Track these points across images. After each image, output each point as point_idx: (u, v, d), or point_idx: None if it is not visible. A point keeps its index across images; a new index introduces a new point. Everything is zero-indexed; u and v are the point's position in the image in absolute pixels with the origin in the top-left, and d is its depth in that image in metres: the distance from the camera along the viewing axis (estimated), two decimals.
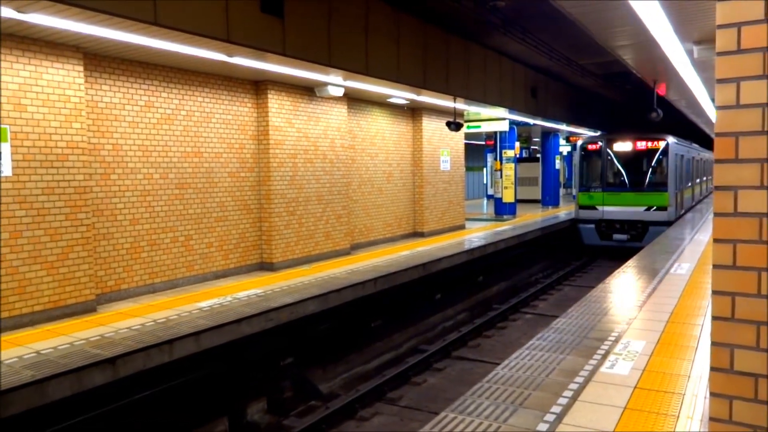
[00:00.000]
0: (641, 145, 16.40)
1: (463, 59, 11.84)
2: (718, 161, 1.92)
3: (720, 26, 1.93)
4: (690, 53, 8.71)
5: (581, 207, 17.18)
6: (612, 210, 16.58)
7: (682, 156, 17.84)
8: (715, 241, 1.93)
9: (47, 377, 4.91)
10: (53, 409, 5.00)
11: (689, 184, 20.25)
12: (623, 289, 7.71)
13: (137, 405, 5.77)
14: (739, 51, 1.89)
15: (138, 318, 6.76)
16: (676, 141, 16.77)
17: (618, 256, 15.10)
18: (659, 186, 16.13)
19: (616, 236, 16.59)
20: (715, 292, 1.94)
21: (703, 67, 9.98)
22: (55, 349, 5.61)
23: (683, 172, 18.09)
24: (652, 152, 16.33)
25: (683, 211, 18.52)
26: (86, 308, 7.01)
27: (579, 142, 17.80)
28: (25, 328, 6.35)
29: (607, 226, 16.75)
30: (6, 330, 6.23)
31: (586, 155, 17.38)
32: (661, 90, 13.23)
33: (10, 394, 4.65)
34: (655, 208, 16.02)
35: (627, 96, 19.31)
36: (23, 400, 4.74)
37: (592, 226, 16.92)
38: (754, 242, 1.85)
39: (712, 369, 1.95)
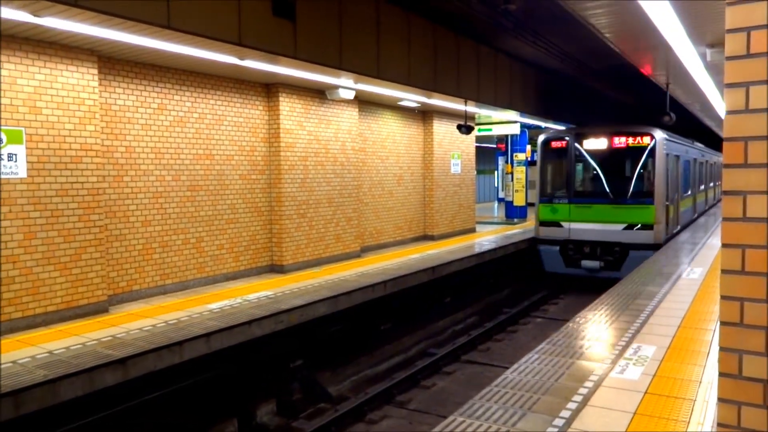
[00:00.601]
0: (620, 141, 12.89)
1: (474, 62, 11.84)
2: (726, 166, 1.92)
3: (729, 30, 1.93)
4: (703, 56, 8.66)
5: (542, 223, 13.73)
6: (581, 228, 13.09)
7: (678, 157, 14.50)
8: (724, 246, 1.92)
9: (59, 377, 4.97)
10: (65, 409, 5.06)
11: (689, 193, 16.68)
12: (634, 293, 7.66)
13: (147, 405, 5.81)
14: (749, 55, 1.88)
15: (149, 319, 6.81)
16: (666, 137, 13.15)
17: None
18: (643, 196, 12.61)
19: (586, 263, 13.01)
20: (723, 297, 1.93)
21: (716, 70, 9.91)
22: (68, 350, 5.67)
23: (679, 178, 14.74)
24: (634, 151, 12.81)
25: (679, 228, 14.92)
26: (98, 309, 7.08)
27: (540, 137, 14.16)
28: (39, 329, 6.43)
29: (574, 249, 13.26)
30: (19, 330, 6.31)
31: (549, 155, 13.85)
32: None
33: (23, 394, 4.71)
34: (638, 226, 12.55)
35: (639, 99, 19.18)
36: (36, 399, 4.80)
37: (556, 248, 13.44)
38: (763, 247, 1.84)
39: (721, 374, 1.94)
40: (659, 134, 12.74)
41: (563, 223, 13.32)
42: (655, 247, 12.20)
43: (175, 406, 6.10)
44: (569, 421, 3.76)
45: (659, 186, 12.59)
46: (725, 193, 1.91)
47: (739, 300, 1.89)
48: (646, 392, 4.24)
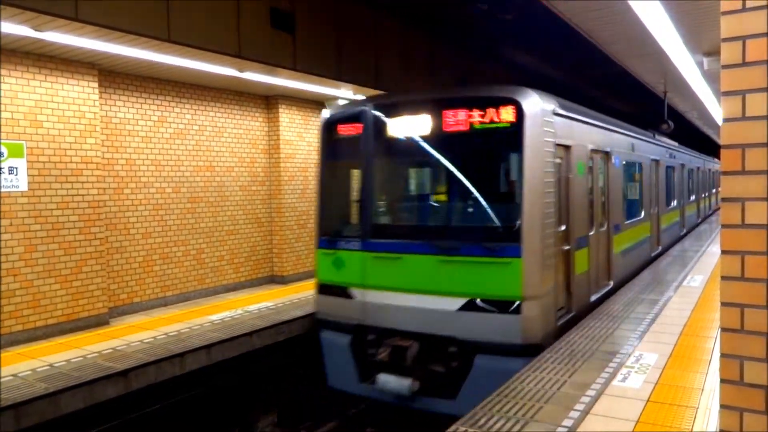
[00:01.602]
0: (455, 118, 6.09)
1: (473, 72, 11.90)
2: (725, 173, 1.93)
3: (725, 39, 1.95)
4: (700, 65, 8.71)
5: (322, 288, 6.92)
6: (383, 303, 6.37)
7: (608, 154, 8.06)
8: (723, 252, 1.93)
9: (60, 390, 4.95)
10: (66, 422, 5.04)
11: (641, 216, 10.17)
12: (635, 301, 7.65)
13: (149, 418, 5.79)
14: (744, 64, 1.90)
15: (150, 331, 6.80)
16: (557, 108, 6.18)
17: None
18: (501, 238, 5.86)
19: (384, 379, 6.12)
20: (723, 304, 1.93)
21: (713, 79, 9.96)
22: (68, 362, 5.65)
23: (610, 194, 8.18)
24: (484, 138, 6.09)
25: (610, 287, 8.12)
26: (99, 321, 7.07)
27: (324, 114, 7.19)
28: (39, 341, 6.41)
29: (375, 346, 6.49)
30: (20, 343, 6.30)
31: (335, 150, 7.09)
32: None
33: (24, 407, 4.69)
34: (498, 304, 5.77)
35: (636, 107, 19.25)
36: (37, 412, 4.78)
37: (346, 339, 6.63)
38: (762, 254, 1.85)
39: (722, 381, 1.94)
40: (533, 102, 5.83)
41: (354, 291, 6.59)
42: (528, 350, 5.64)
43: (177, 418, 6.07)
44: (571, 430, 3.75)
45: (532, 214, 5.75)
46: (724, 200, 1.93)
47: (739, 306, 1.90)
48: (648, 400, 4.23)
